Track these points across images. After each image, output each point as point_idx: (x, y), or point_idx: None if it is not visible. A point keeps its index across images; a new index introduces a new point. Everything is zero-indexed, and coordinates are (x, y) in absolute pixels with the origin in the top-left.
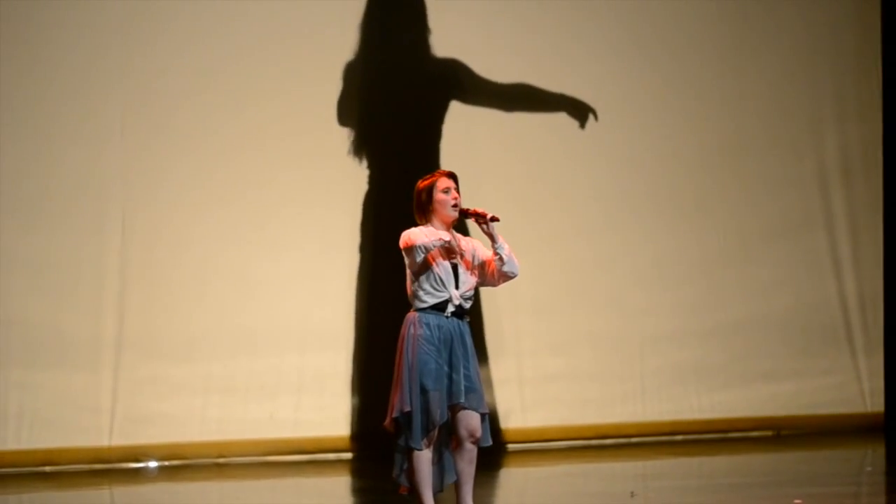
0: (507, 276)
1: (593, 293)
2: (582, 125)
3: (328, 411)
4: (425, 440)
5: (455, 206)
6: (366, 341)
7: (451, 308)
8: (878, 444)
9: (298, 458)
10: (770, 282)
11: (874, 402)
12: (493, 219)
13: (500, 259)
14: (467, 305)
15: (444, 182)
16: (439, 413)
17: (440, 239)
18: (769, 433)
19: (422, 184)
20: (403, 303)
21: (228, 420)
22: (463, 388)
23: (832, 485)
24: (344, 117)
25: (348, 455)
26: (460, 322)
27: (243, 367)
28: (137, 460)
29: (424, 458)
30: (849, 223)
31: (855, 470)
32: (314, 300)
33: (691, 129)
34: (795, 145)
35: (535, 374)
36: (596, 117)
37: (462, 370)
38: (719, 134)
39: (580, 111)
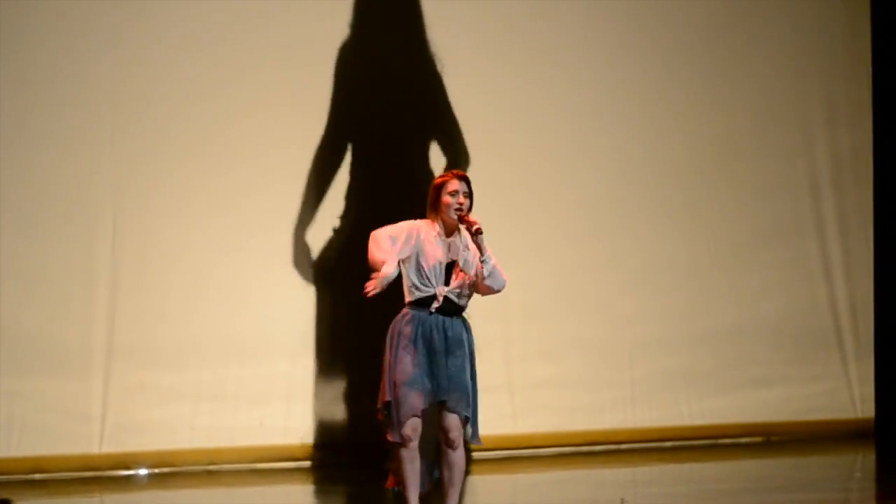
0: (489, 289)
1: (582, 299)
2: None
3: (318, 419)
4: (400, 434)
5: (459, 209)
6: (355, 349)
7: (434, 304)
8: (868, 450)
9: (288, 466)
10: (760, 288)
11: (864, 408)
12: (478, 231)
13: (484, 272)
14: (461, 302)
15: (453, 184)
16: (408, 408)
17: (381, 276)
18: (759, 439)
19: (436, 181)
20: (392, 310)
21: (218, 427)
22: (443, 386)
23: (822, 491)
24: (334, 126)
25: (338, 462)
26: (448, 318)
27: (233, 374)
28: (127, 468)
29: (407, 457)
30: (839, 229)
31: (845, 476)
32: (304, 309)
33: (681, 135)
34: (786, 150)
35: (525, 381)
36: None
37: (445, 368)
38: (709, 139)
39: None
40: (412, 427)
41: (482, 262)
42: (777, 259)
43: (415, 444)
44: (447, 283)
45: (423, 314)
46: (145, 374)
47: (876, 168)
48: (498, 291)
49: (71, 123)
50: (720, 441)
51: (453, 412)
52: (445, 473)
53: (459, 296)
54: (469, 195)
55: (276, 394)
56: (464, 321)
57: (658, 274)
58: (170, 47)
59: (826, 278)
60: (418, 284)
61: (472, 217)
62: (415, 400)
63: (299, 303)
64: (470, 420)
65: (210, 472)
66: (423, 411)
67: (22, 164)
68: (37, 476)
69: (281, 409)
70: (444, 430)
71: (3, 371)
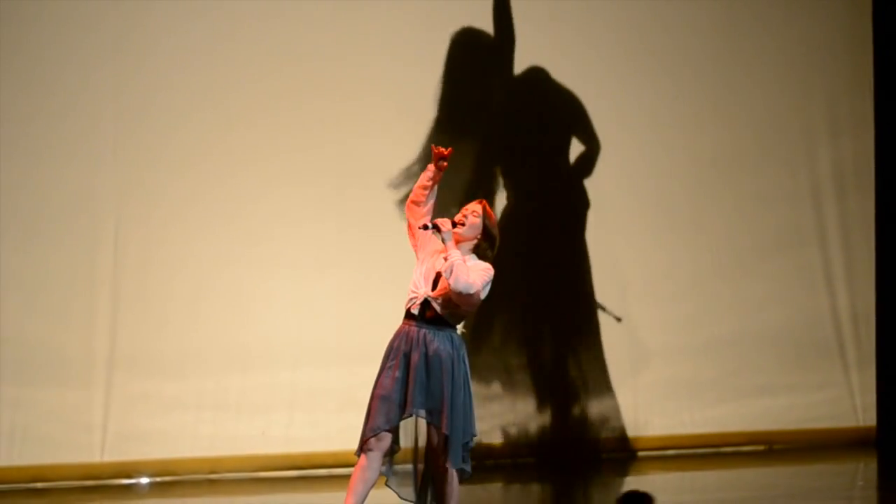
0: (454, 290)
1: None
2: None
3: (320, 428)
4: (361, 446)
5: (456, 222)
6: (357, 358)
7: (415, 306)
8: (870, 458)
9: (290, 474)
10: (763, 297)
11: (866, 417)
12: (425, 227)
13: (443, 267)
14: (440, 311)
15: (467, 205)
16: (376, 421)
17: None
18: (761, 448)
19: None
20: (396, 318)
21: (220, 436)
22: (415, 401)
23: (824, 499)
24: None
25: (340, 471)
26: (430, 331)
27: (235, 383)
28: (129, 476)
29: (361, 464)
30: (841, 238)
31: (847, 484)
32: (306, 317)
33: (684, 144)
34: (788, 160)
35: (528, 390)
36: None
37: (421, 382)
38: (712, 149)
39: None
40: (376, 440)
41: (444, 258)
42: (779, 268)
43: (375, 454)
44: (433, 289)
45: (408, 327)
46: (147, 383)
47: (878, 177)
48: (464, 294)
49: (73, 132)
50: (722, 449)
51: (433, 426)
52: (439, 489)
53: (443, 306)
54: (482, 218)
55: (278, 402)
56: (451, 337)
57: (661, 283)
58: (172, 55)
59: (828, 287)
60: (411, 286)
61: (441, 220)
62: (384, 413)
63: (302, 311)
64: (450, 439)
65: (212, 481)
66: (396, 427)
67: (24, 172)
68: (38, 485)
69: (283, 417)
70: (430, 447)
71: (5, 380)
